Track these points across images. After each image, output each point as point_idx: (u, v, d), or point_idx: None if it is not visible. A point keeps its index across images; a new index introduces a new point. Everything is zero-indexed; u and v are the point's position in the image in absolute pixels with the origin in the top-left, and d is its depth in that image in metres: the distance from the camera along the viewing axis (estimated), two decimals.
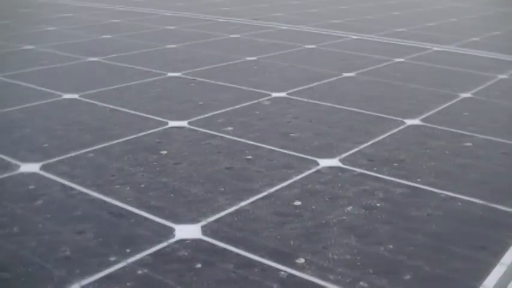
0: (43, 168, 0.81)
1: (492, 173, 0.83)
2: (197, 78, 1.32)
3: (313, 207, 0.71)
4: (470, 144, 0.94)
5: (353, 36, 1.91)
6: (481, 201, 0.74)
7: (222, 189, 0.76)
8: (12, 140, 0.92)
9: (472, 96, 1.22)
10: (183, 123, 1.01)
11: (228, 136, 0.95)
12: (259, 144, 0.92)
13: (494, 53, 1.71)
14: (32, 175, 0.79)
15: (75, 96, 1.16)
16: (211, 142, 0.92)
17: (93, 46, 1.69)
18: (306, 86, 1.27)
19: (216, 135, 0.95)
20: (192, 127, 0.99)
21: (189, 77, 1.33)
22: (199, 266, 0.58)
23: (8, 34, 1.88)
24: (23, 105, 1.10)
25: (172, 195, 0.74)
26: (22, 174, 0.79)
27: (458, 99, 1.19)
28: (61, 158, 0.85)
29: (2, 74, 1.34)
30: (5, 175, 0.78)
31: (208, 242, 0.63)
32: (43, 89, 1.21)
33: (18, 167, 0.81)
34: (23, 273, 0.56)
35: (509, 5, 3.14)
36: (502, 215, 0.70)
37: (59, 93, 1.18)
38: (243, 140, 0.93)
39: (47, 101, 1.13)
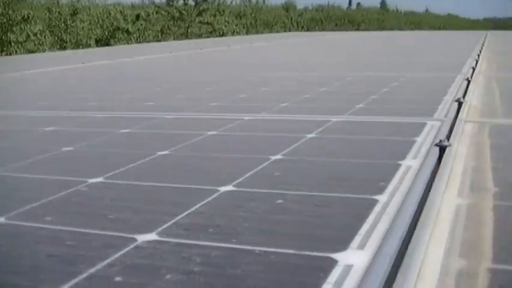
0: None
1: (303, 223, 0.87)
2: None
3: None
4: (282, 201, 0.98)
5: (168, 116, 1.93)
6: (293, 251, 0.76)
7: None
8: None
9: (282, 157, 1.27)
10: None
11: None
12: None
13: (302, 115, 1.81)
14: None
15: None
16: None
17: None
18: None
19: None
20: None
21: None
22: None
23: None
24: None
25: None
26: None
27: (269, 161, 1.23)
28: None
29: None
30: None
31: None
32: None
33: None
34: None
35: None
36: (314, 260, 0.73)
37: None
38: None
39: None
